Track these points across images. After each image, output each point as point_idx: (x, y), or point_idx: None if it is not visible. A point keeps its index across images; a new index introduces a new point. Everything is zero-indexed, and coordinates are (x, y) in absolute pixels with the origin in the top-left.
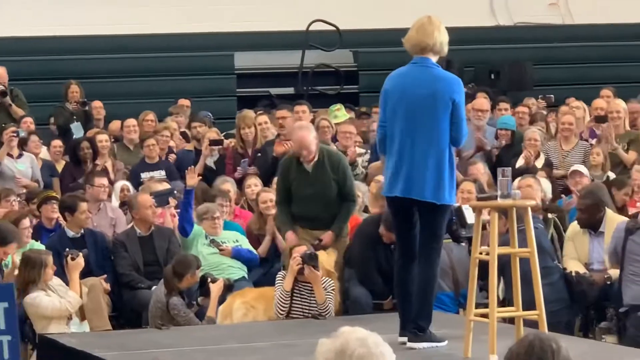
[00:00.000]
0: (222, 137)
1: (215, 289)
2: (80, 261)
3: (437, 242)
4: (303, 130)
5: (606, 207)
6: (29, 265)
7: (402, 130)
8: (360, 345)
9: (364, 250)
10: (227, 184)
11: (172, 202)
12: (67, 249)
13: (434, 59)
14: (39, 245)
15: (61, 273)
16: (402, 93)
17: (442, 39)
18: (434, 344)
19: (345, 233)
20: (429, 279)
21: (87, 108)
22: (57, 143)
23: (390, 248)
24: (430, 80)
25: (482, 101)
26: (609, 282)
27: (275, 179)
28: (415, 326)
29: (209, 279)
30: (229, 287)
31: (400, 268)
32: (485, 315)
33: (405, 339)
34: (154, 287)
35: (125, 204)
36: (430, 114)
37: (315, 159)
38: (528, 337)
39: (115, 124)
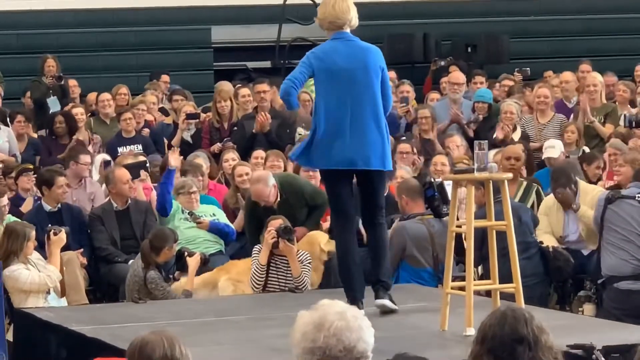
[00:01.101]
0: (199, 111)
1: (193, 263)
2: (63, 237)
3: (384, 207)
4: (260, 184)
5: (578, 180)
6: (12, 237)
7: (339, 104)
8: (339, 318)
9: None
10: (199, 159)
11: (144, 174)
12: (50, 225)
13: (349, 32)
14: (16, 220)
15: (39, 248)
16: (336, 68)
17: (354, 13)
18: (395, 306)
19: None
20: (385, 241)
21: (62, 82)
22: (21, 118)
23: None
24: (359, 53)
25: (458, 74)
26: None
27: (254, 153)
28: (385, 285)
29: (186, 253)
30: (205, 262)
31: (346, 238)
32: (462, 289)
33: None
34: (130, 261)
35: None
36: (367, 85)
37: (277, 199)
38: (500, 309)
39: (92, 96)
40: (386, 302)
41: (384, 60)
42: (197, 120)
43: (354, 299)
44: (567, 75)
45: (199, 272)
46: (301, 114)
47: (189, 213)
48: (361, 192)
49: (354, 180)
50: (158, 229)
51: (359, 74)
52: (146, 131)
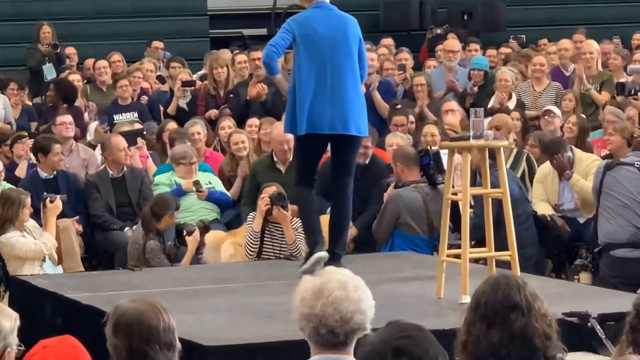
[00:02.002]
0: (194, 79)
1: (192, 240)
2: (59, 204)
3: (352, 175)
4: (281, 127)
5: (573, 147)
6: (8, 204)
7: (319, 71)
8: (340, 287)
9: None
10: (197, 126)
11: (140, 142)
12: (46, 193)
13: (328, 1)
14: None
15: (35, 215)
16: (316, 35)
17: None
18: None
19: None
20: (349, 214)
21: (58, 50)
22: (14, 85)
23: None
24: (339, 21)
25: (453, 42)
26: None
27: (248, 121)
28: (337, 257)
29: (185, 232)
30: (206, 229)
31: (307, 196)
32: (457, 256)
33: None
34: (134, 227)
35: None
36: (346, 53)
37: (290, 159)
38: (493, 276)
39: (89, 62)
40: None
41: (360, 31)
42: (193, 87)
43: (317, 243)
44: (565, 43)
45: (201, 241)
46: None
47: (193, 181)
48: (334, 160)
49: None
50: (159, 196)
51: (339, 41)
52: (144, 99)
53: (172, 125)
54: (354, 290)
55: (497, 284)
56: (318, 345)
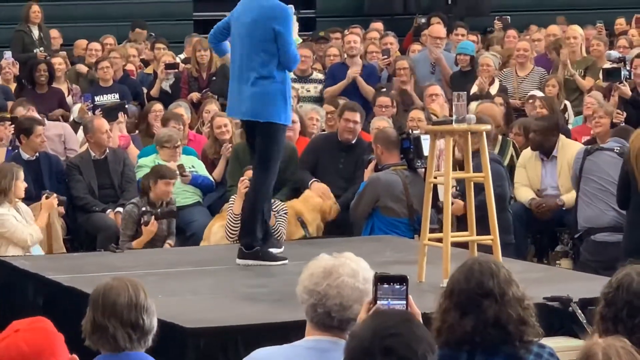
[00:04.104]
0: (178, 61)
1: (147, 231)
2: (54, 202)
3: (263, 162)
4: None
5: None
6: (1, 175)
7: (239, 55)
8: (350, 274)
9: None
10: (180, 108)
11: (122, 117)
12: (44, 191)
13: None
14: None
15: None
16: (236, 20)
17: None
18: (263, 262)
19: None
20: (256, 204)
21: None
22: (6, 62)
23: None
24: (254, 8)
25: (438, 28)
26: (560, 204)
27: None
28: (241, 243)
29: (142, 219)
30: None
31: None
32: (439, 240)
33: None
34: (108, 211)
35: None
36: (252, 40)
37: None
38: (467, 263)
39: (82, 43)
40: (239, 261)
41: (280, 19)
42: (176, 70)
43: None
44: (554, 28)
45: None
46: None
47: (178, 165)
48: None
49: None
50: (157, 165)
51: (249, 28)
52: (133, 77)
53: (157, 106)
54: (363, 282)
55: (470, 272)
56: (313, 324)
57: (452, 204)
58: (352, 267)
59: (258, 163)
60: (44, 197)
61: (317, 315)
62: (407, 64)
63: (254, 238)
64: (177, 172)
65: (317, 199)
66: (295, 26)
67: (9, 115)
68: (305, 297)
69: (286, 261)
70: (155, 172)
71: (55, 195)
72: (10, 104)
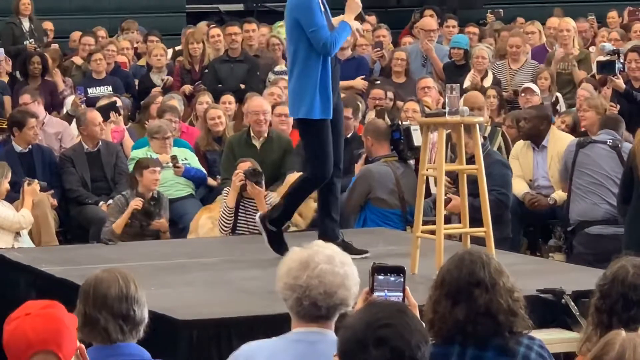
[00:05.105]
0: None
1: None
2: (36, 187)
3: (311, 161)
4: (261, 98)
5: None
6: None
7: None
8: (326, 261)
9: None
10: (174, 101)
11: (113, 116)
12: (26, 177)
13: None
14: None
15: (12, 191)
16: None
17: None
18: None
19: None
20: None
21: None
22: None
23: None
24: (288, 4)
25: (430, 21)
26: (552, 203)
27: (222, 97)
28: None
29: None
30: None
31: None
32: (432, 232)
33: None
34: (101, 203)
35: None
36: (288, 35)
37: (265, 135)
38: (458, 253)
39: (76, 35)
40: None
41: (299, 7)
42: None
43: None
44: (554, 21)
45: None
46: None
47: (171, 156)
48: None
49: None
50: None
51: (285, 22)
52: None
53: (160, 97)
54: (341, 265)
55: (461, 262)
56: (299, 317)
57: (450, 200)
58: (326, 253)
59: (304, 163)
60: (25, 184)
61: (303, 308)
62: (405, 55)
63: (334, 236)
64: (171, 163)
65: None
66: (352, 8)
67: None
68: (288, 293)
69: (368, 254)
70: (138, 165)
71: (36, 181)
72: (6, 98)
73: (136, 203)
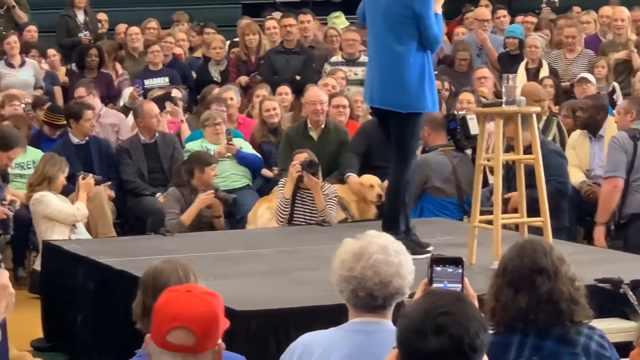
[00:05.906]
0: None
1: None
2: (90, 181)
3: (402, 152)
4: (319, 89)
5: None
6: (50, 162)
7: (374, 38)
8: (380, 251)
9: None
10: (230, 92)
11: (169, 106)
12: (80, 172)
13: None
14: (36, 152)
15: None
16: (368, 3)
17: None
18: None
19: None
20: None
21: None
22: (52, 52)
23: None
24: None
25: (484, 11)
26: None
27: (278, 88)
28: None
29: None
30: (233, 203)
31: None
32: (490, 222)
33: None
34: (158, 194)
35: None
36: (387, 21)
37: (323, 126)
38: (519, 242)
39: (121, 28)
40: None
41: (421, 1)
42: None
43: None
44: (607, 10)
45: (228, 213)
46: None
47: (226, 131)
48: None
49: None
50: (194, 152)
51: (388, 9)
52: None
53: (217, 89)
54: (395, 254)
55: (523, 250)
56: (356, 308)
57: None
58: (380, 243)
59: (396, 154)
60: (80, 177)
61: (359, 299)
62: (468, 54)
63: (397, 232)
64: (226, 153)
65: (357, 186)
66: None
67: (30, 100)
68: (344, 285)
69: (431, 248)
70: (200, 160)
71: (91, 175)
72: (56, 89)
73: (208, 195)
